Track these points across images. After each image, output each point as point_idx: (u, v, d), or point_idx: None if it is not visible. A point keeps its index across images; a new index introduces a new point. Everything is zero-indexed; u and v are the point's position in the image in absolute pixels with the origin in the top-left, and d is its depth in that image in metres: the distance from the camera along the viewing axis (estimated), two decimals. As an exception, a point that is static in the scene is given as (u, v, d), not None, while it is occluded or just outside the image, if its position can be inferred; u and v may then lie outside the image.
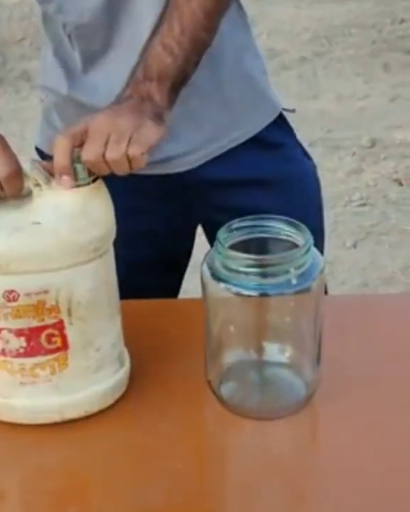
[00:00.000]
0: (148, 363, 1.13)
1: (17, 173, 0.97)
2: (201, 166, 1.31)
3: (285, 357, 1.04)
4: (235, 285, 0.96)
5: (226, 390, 1.05)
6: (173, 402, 1.08)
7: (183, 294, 1.53)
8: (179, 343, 1.16)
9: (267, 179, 1.34)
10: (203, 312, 1.03)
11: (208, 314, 1.02)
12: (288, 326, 1.02)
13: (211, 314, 1.01)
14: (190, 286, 1.50)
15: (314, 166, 1.41)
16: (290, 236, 1.01)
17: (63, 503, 0.97)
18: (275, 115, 1.36)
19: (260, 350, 1.03)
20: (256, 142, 1.33)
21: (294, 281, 0.96)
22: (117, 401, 1.07)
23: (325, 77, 4.32)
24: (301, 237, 0.99)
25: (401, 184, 3.24)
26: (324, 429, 1.07)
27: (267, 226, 1.02)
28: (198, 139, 1.30)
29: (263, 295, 0.96)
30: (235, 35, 1.28)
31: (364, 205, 3.09)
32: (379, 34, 4.82)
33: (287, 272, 0.96)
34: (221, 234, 0.99)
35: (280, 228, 1.01)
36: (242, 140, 1.33)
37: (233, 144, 1.32)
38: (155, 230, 1.38)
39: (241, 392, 1.05)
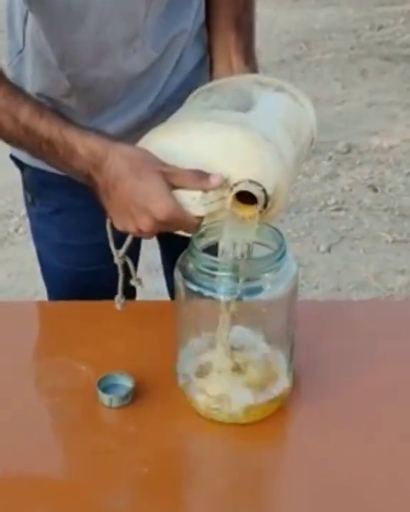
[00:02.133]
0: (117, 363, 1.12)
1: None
2: None
3: (258, 363, 1.03)
4: (208, 289, 0.95)
5: (198, 394, 1.04)
6: (143, 405, 1.07)
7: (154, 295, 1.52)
8: (146, 343, 1.15)
9: None
10: (176, 316, 1.02)
11: (180, 318, 1.01)
12: (261, 331, 1.01)
13: (183, 318, 1.00)
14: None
15: None
16: (264, 241, 1.00)
17: (26, 506, 0.95)
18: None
19: (232, 354, 1.02)
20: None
21: (268, 286, 0.96)
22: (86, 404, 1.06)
23: (303, 80, 4.32)
24: (275, 241, 0.98)
25: (375, 190, 3.25)
26: (298, 434, 1.06)
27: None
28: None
29: (237, 299, 0.95)
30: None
31: (339, 209, 3.10)
32: (357, 40, 4.83)
33: (262, 276, 0.95)
34: (195, 237, 0.98)
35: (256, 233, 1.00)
36: None
37: None
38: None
39: (213, 397, 1.04)
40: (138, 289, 1.33)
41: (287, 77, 4.28)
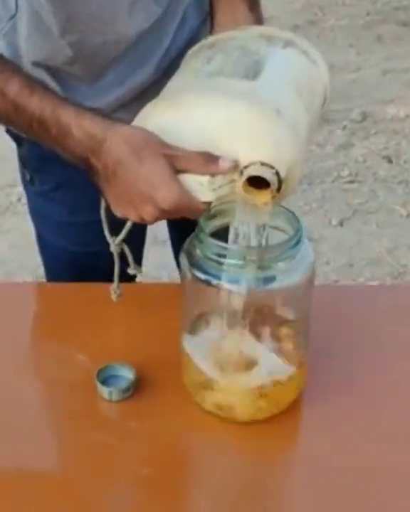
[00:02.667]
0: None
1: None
2: None
3: (269, 357, 0.95)
4: (217, 278, 0.87)
5: (205, 392, 0.96)
6: (144, 399, 0.99)
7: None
8: (149, 330, 1.07)
9: None
10: (181, 304, 0.94)
11: (186, 308, 0.93)
12: (274, 323, 0.93)
13: (189, 308, 0.92)
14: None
15: None
16: (278, 225, 0.92)
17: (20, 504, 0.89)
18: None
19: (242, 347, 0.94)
20: None
21: (282, 276, 0.88)
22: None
23: (317, 46, 4.16)
24: (290, 225, 0.90)
25: (390, 161, 3.15)
26: (309, 431, 0.99)
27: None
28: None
29: (248, 289, 0.87)
30: None
31: (352, 182, 3.01)
32: (373, 5, 4.71)
33: (275, 264, 0.87)
34: (202, 220, 0.90)
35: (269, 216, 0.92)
36: None
37: None
38: None
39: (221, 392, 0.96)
40: (143, 262, 1.26)
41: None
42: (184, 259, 0.90)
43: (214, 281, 0.88)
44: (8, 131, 1.27)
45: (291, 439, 0.99)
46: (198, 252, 0.89)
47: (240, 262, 0.86)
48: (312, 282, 0.92)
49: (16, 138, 1.27)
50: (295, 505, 0.91)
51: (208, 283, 0.88)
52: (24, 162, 1.30)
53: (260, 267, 0.87)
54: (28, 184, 1.32)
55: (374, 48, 4.18)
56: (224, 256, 0.87)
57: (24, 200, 2.65)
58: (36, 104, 0.97)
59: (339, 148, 3.22)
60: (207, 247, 0.87)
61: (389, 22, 4.48)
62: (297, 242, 0.88)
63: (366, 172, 3.07)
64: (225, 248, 0.87)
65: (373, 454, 0.93)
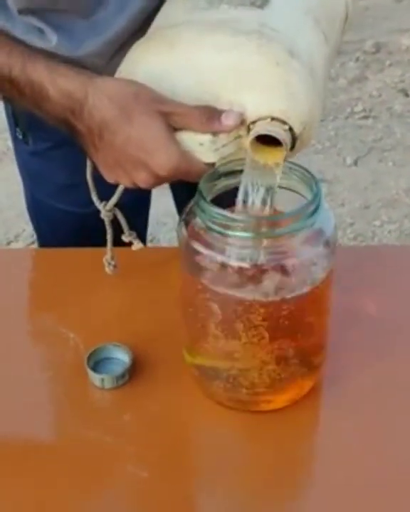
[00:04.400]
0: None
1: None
2: None
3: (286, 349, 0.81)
4: (220, 253, 0.74)
5: (211, 378, 0.84)
6: (142, 386, 0.87)
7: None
8: (147, 305, 0.95)
9: None
10: (180, 283, 0.81)
11: (186, 287, 0.80)
12: (290, 309, 0.79)
13: (190, 288, 0.79)
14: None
15: None
16: (291, 185, 0.78)
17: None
18: None
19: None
20: None
21: (298, 249, 0.74)
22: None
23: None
24: (307, 187, 0.76)
25: (407, 95, 2.99)
26: (326, 422, 0.87)
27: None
28: None
29: (256, 266, 0.74)
30: None
31: (367, 117, 2.85)
32: None
33: (290, 236, 0.73)
34: (203, 183, 0.76)
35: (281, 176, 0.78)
36: None
37: None
38: None
39: (229, 382, 0.83)
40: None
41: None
42: (182, 230, 0.77)
43: (218, 258, 0.74)
44: None
45: (306, 424, 0.87)
46: (198, 221, 0.75)
47: (249, 234, 0.73)
48: (333, 256, 0.78)
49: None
50: (311, 494, 0.80)
51: (210, 259, 0.74)
52: (15, 118, 1.16)
53: (273, 240, 0.73)
54: (20, 143, 1.18)
55: (388, -28, 3.98)
56: (229, 227, 0.73)
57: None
58: (4, 62, 0.83)
59: (352, 81, 3.06)
60: (209, 215, 0.74)
61: None
62: (316, 210, 0.74)
63: (381, 107, 2.91)
64: (232, 218, 0.73)
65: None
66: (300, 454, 0.84)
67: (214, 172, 0.78)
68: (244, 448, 0.83)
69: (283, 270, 0.74)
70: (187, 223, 0.77)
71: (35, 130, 1.14)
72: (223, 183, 0.79)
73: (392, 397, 0.86)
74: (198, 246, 0.75)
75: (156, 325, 0.92)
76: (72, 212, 1.18)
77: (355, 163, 2.62)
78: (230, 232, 0.73)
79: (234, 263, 0.74)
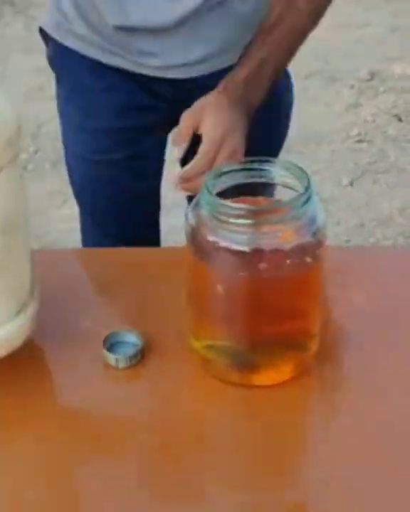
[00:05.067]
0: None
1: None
2: (209, 74, 1.34)
3: (281, 325, 0.91)
4: (224, 238, 0.84)
5: (214, 357, 0.94)
6: (152, 366, 0.96)
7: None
8: (157, 295, 1.04)
9: None
10: (185, 268, 0.91)
11: (191, 271, 0.90)
12: (286, 288, 0.89)
13: (195, 271, 0.89)
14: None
15: (291, 84, 1.47)
16: (287, 182, 0.88)
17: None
18: None
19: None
20: None
21: (292, 235, 0.84)
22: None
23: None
24: (300, 182, 0.86)
25: (400, 120, 3.09)
26: (322, 397, 0.96)
27: (261, 170, 0.89)
28: (210, 49, 1.33)
29: (256, 250, 0.84)
30: None
31: (361, 141, 2.95)
32: (381, -39, 4.61)
33: (285, 223, 0.83)
34: (209, 180, 0.86)
35: (276, 172, 0.88)
36: None
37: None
38: (156, 123, 1.39)
39: (230, 358, 0.93)
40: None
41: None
42: (191, 219, 0.87)
43: (222, 243, 0.84)
44: (40, 29, 1.39)
45: (307, 402, 0.97)
46: (204, 212, 0.85)
47: (249, 221, 0.83)
48: (323, 242, 0.88)
49: (44, 36, 1.38)
50: (316, 470, 0.88)
51: (215, 244, 0.84)
52: (50, 61, 1.40)
53: (270, 226, 0.83)
54: (57, 83, 1.41)
55: (380, 5, 4.09)
56: (232, 216, 0.83)
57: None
58: None
59: (347, 107, 3.16)
60: (213, 206, 0.84)
61: (396, -22, 4.39)
62: (308, 199, 0.84)
63: (375, 131, 3.02)
64: (233, 207, 0.83)
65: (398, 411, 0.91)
66: (293, 426, 0.93)
67: (218, 171, 0.88)
68: (243, 420, 0.92)
69: (279, 253, 0.84)
70: (194, 213, 0.87)
71: (62, 73, 1.39)
72: (225, 181, 0.89)
73: (383, 377, 0.95)
74: (203, 233, 0.85)
75: (165, 314, 1.02)
76: (82, 157, 1.39)
77: (351, 184, 2.72)
78: (231, 220, 0.83)
79: (235, 247, 0.83)
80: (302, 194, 0.84)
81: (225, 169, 0.89)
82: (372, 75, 3.40)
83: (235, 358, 0.92)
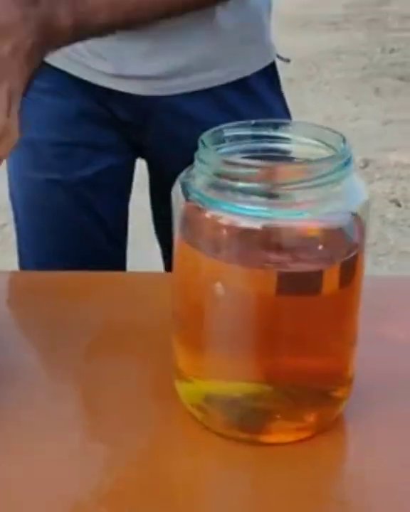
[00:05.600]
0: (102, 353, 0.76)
1: None
2: (175, 96, 1.09)
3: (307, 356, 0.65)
4: (224, 211, 0.59)
5: (211, 401, 0.67)
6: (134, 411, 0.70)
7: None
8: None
9: None
10: (174, 275, 0.66)
11: (181, 274, 0.65)
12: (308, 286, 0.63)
13: (187, 271, 0.64)
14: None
15: None
16: (312, 152, 0.65)
17: None
18: (268, 61, 1.16)
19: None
20: (240, 87, 1.13)
21: (321, 208, 0.60)
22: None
23: (313, 100, 4.06)
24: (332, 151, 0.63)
25: (399, 205, 2.92)
26: (347, 458, 0.70)
27: (275, 137, 0.65)
28: (179, 63, 1.08)
29: (269, 227, 0.59)
30: None
31: (359, 224, 2.76)
32: (369, 61, 4.62)
33: (311, 191, 0.59)
34: (207, 138, 0.63)
35: (299, 140, 0.65)
36: (226, 81, 1.12)
37: (216, 83, 1.11)
38: (113, 144, 1.13)
39: (233, 410, 0.66)
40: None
41: (296, 95, 3.99)
42: (179, 193, 0.62)
43: (223, 220, 0.59)
44: None
45: (329, 464, 0.70)
46: (199, 180, 0.61)
47: (261, 186, 0.59)
48: (363, 233, 0.64)
49: None
50: None
51: (212, 222, 0.60)
52: None
53: (287, 197, 0.59)
54: None
55: (372, 100, 4.03)
56: (236, 178, 0.59)
57: None
58: None
59: (342, 191, 3.00)
60: (213, 166, 0.60)
61: (385, 76, 4.35)
62: (346, 163, 0.60)
63: (373, 215, 2.83)
64: (241, 165, 0.59)
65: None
66: (315, 497, 0.66)
67: (219, 133, 0.65)
68: (247, 482, 0.65)
69: (303, 234, 0.59)
70: (184, 185, 0.62)
71: None
72: (227, 149, 0.65)
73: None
74: (198, 206, 0.60)
75: (142, 347, 0.76)
76: (22, 176, 1.15)
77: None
78: (240, 184, 0.58)
79: (241, 223, 0.59)
80: (335, 155, 0.60)
81: (229, 134, 0.65)
82: (366, 163, 3.27)
83: (241, 408, 0.66)
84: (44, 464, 0.64)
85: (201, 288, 0.62)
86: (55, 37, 0.76)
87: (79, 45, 1.01)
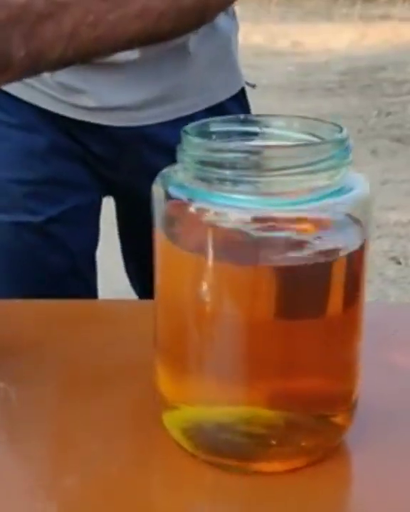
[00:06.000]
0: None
1: None
2: (151, 126, 1.07)
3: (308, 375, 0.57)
4: (210, 202, 0.52)
5: (200, 428, 0.59)
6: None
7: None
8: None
9: None
10: (156, 272, 0.59)
11: (163, 278, 0.58)
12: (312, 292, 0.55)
13: (168, 273, 0.57)
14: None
15: None
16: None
17: None
18: (238, 87, 1.16)
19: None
20: (216, 113, 1.10)
21: (318, 194, 0.53)
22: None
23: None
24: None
25: (399, 263, 2.87)
26: (348, 488, 0.61)
27: (270, 135, 0.59)
28: (154, 92, 1.06)
29: (260, 220, 0.52)
30: None
31: (359, 280, 2.70)
32: (365, 124, 4.64)
33: (305, 177, 0.52)
34: (190, 129, 0.56)
35: (292, 135, 0.58)
36: (201, 107, 1.10)
37: (191, 111, 1.09)
38: (84, 181, 1.08)
39: (223, 430, 0.58)
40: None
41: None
42: (158, 190, 0.56)
43: (210, 214, 0.52)
44: None
45: (328, 493, 0.61)
46: (183, 171, 0.54)
47: (251, 174, 0.52)
48: (365, 232, 0.57)
49: None
50: None
51: (200, 215, 0.53)
52: None
53: (282, 184, 0.52)
54: None
55: (369, 161, 4.02)
56: (224, 165, 0.52)
57: None
58: None
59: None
60: (201, 153, 0.53)
61: (382, 137, 4.36)
62: (346, 148, 0.54)
63: (373, 272, 2.78)
64: (233, 150, 0.52)
65: None
66: None
67: (205, 127, 0.58)
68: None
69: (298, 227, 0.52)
70: (164, 179, 0.56)
71: None
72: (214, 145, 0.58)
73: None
74: (178, 194, 0.53)
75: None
76: None
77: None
78: (228, 172, 0.52)
79: (230, 214, 0.52)
80: (330, 141, 0.54)
81: (216, 129, 0.59)
82: (365, 222, 3.23)
83: (232, 433, 0.58)
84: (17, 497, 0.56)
85: (187, 290, 0.55)
86: (6, 69, 0.69)
87: (48, 78, 1.00)
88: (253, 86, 1.23)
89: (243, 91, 1.18)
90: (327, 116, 4.58)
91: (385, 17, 7.16)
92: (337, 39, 6.29)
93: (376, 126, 4.58)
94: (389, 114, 4.84)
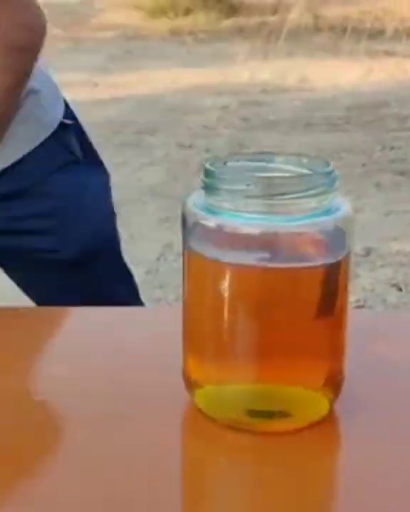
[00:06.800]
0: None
1: None
2: None
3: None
4: (227, 220, 0.68)
5: (221, 402, 0.74)
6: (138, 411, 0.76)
7: None
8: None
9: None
10: (183, 278, 0.74)
11: (189, 281, 0.73)
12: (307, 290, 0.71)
13: (195, 278, 0.72)
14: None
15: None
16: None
17: None
18: (51, 130, 1.38)
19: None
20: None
21: (311, 214, 0.68)
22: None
23: (315, 194, 4.16)
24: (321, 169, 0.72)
25: (400, 289, 2.99)
26: (342, 448, 0.76)
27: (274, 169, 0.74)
28: None
29: (267, 234, 0.67)
30: None
31: (361, 306, 2.83)
32: (369, 158, 4.74)
33: (303, 200, 0.68)
34: (210, 165, 0.71)
35: (290, 169, 0.74)
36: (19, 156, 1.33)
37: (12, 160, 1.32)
38: None
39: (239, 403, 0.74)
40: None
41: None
42: (187, 212, 0.71)
43: (227, 227, 0.68)
44: None
45: (328, 450, 0.75)
46: (208, 197, 0.70)
47: (260, 192, 0.67)
48: (347, 242, 0.72)
49: None
50: None
51: (211, 234, 0.68)
52: None
53: (284, 206, 0.68)
54: None
55: (373, 194, 4.13)
56: (240, 192, 0.67)
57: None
58: None
59: (344, 278, 3.08)
60: (223, 179, 0.68)
61: (386, 171, 4.47)
62: (332, 181, 0.69)
63: (375, 298, 2.91)
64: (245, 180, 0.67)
65: None
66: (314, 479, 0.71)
67: (224, 161, 0.74)
68: (250, 468, 0.71)
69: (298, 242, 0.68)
70: (193, 203, 0.71)
71: None
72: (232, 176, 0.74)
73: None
74: (202, 215, 0.69)
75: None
76: None
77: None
78: (242, 197, 0.67)
79: (242, 228, 0.67)
80: (321, 172, 0.69)
81: (228, 162, 0.74)
82: (368, 251, 3.35)
83: (244, 403, 0.73)
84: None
85: (209, 292, 0.70)
86: None
87: None
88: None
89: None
90: (332, 151, 4.71)
91: (390, 53, 7.30)
92: (344, 74, 6.43)
93: (380, 160, 4.69)
94: (392, 148, 4.93)
